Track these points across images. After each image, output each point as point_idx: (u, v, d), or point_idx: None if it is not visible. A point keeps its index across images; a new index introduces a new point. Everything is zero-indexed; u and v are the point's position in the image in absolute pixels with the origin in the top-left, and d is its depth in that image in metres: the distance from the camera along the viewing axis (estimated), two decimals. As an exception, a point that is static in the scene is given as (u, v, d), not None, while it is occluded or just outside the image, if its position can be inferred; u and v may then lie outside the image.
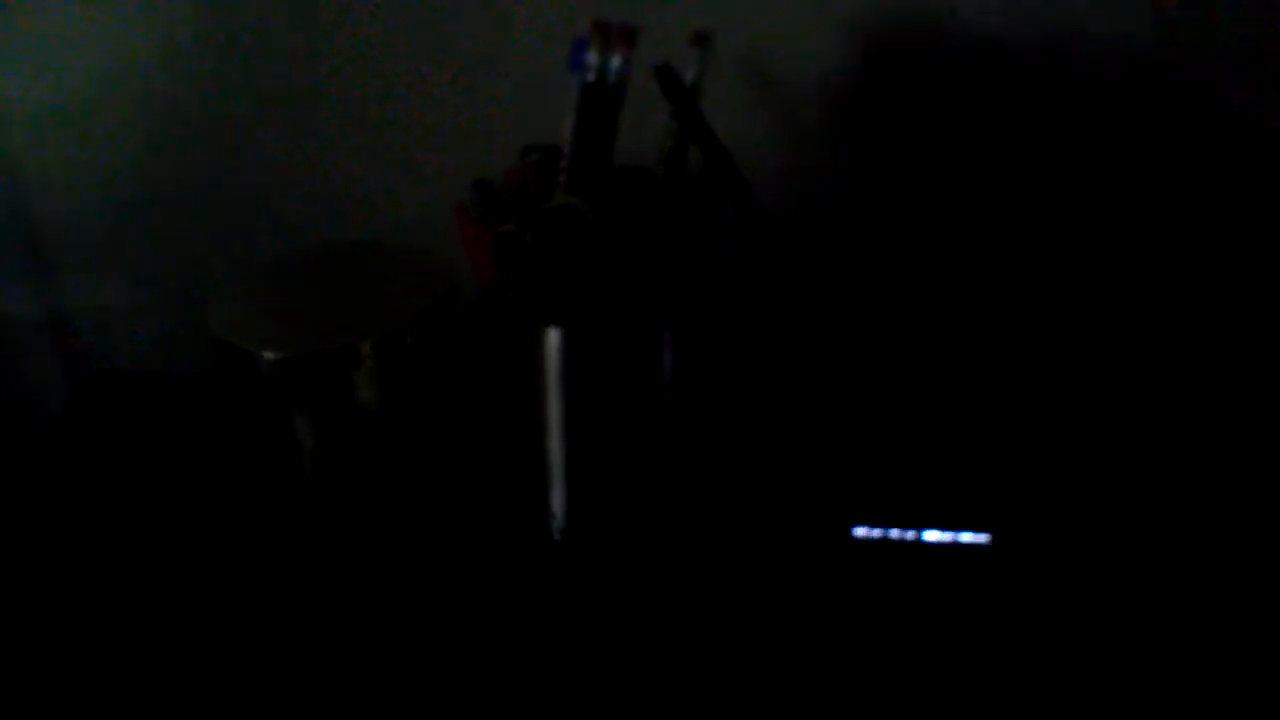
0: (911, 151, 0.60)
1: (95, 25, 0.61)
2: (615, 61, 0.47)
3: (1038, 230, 0.61)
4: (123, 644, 0.50)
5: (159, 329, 0.72)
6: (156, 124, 0.64)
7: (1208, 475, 0.54)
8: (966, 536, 0.51)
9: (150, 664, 0.49)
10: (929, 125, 0.59)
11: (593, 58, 0.47)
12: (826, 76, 0.58)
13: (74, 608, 0.52)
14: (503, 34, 0.59)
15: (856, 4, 0.56)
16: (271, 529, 0.56)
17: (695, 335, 0.49)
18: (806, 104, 0.59)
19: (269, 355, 0.51)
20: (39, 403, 0.72)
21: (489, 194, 0.50)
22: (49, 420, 0.69)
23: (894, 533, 0.51)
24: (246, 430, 0.59)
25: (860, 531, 0.51)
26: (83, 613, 0.52)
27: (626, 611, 0.50)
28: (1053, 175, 0.59)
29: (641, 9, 0.56)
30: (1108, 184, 0.57)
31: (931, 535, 0.51)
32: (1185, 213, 0.59)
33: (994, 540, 0.51)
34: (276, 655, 0.49)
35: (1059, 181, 0.59)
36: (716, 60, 0.49)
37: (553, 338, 0.47)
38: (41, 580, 0.54)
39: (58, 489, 0.61)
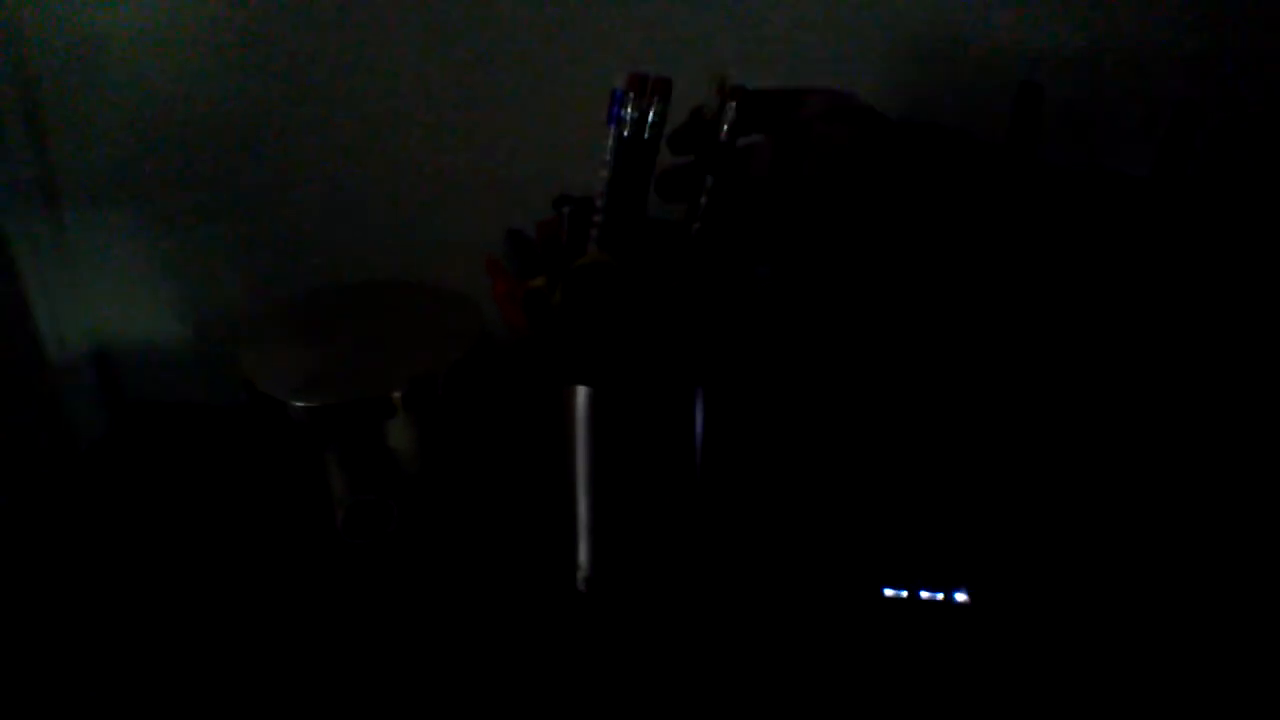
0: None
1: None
2: (651, 114, 0.47)
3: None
4: (139, 662, 0.51)
5: (192, 359, 0.72)
6: (193, 147, 0.65)
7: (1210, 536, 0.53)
8: (987, 597, 0.50)
9: (164, 682, 0.49)
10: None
11: (629, 111, 0.47)
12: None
13: (91, 623, 0.53)
14: (544, 83, 0.59)
15: (891, 42, 0.56)
16: (299, 566, 0.56)
17: (727, 392, 0.49)
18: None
19: (300, 404, 0.51)
20: (77, 430, 0.73)
21: (521, 245, 0.50)
22: (85, 447, 0.70)
23: (923, 593, 0.50)
24: (278, 471, 0.59)
25: (890, 591, 0.50)
26: (97, 635, 0.53)
27: (646, 662, 0.50)
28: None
29: (680, 58, 0.57)
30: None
31: (960, 596, 0.50)
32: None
33: (985, 601, 0.50)
34: (293, 687, 0.49)
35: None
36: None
37: (581, 395, 0.47)
38: (64, 600, 0.55)
39: (88, 514, 0.62)
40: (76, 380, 0.73)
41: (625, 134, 0.47)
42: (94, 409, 0.74)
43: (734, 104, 0.48)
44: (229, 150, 0.65)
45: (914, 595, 0.50)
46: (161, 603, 0.55)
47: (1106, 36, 0.55)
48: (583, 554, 0.52)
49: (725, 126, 0.48)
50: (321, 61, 0.61)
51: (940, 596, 0.50)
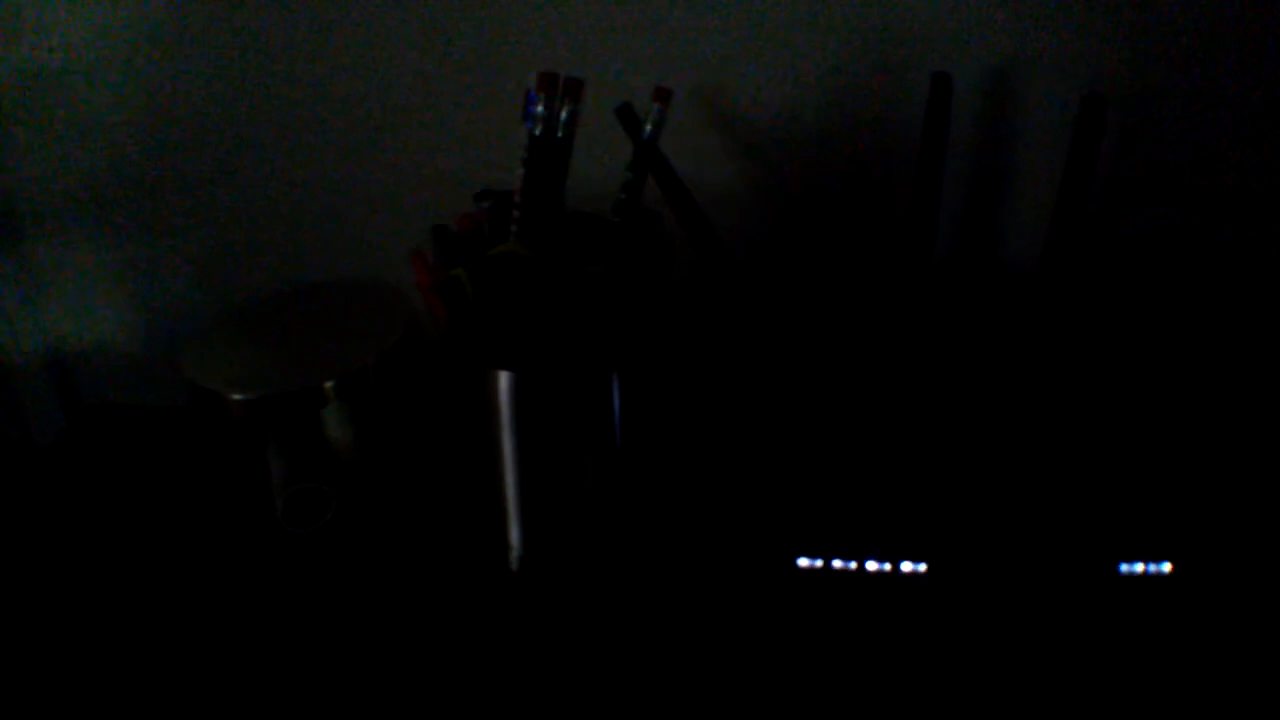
0: (870, 192, 0.62)
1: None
2: (563, 113, 0.49)
3: (988, 266, 0.63)
4: (92, 660, 0.52)
5: (145, 362, 0.74)
6: (143, 152, 0.67)
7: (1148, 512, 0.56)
8: (906, 566, 0.52)
9: (117, 679, 0.51)
10: (889, 167, 0.61)
11: (540, 109, 0.49)
12: (782, 115, 0.60)
13: (46, 621, 0.55)
14: (468, 81, 0.61)
15: (819, 58, 0.58)
16: (243, 556, 0.58)
17: (643, 373, 0.51)
18: (764, 140, 0.61)
19: (237, 396, 0.53)
20: (30, 433, 0.75)
21: (444, 238, 0.52)
22: (40, 446, 0.72)
23: (836, 562, 0.53)
24: (220, 464, 0.61)
25: (804, 561, 0.53)
26: (53, 625, 0.54)
27: (580, 637, 0.52)
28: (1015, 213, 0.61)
29: (601, 56, 0.59)
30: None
31: (871, 565, 0.52)
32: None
33: (931, 569, 0.52)
34: (242, 674, 0.51)
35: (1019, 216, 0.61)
36: (676, 103, 0.51)
37: (502, 380, 0.49)
38: (23, 596, 0.57)
39: (44, 512, 0.64)
40: (32, 384, 0.75)
41: (538, 132, 0.49)
42: (49, 412, 0.76)
43: (659, 105, 0.50)
44: (174, 161, 0.67)
45: (827, 565, 0.53)
46: (114, 592, 0.57)
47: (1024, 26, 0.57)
48: (514, 534, 0.54)
49: (649, 126, 0.51)
50: (251, 70, 0.63)
51: (853, 566, 0.53)
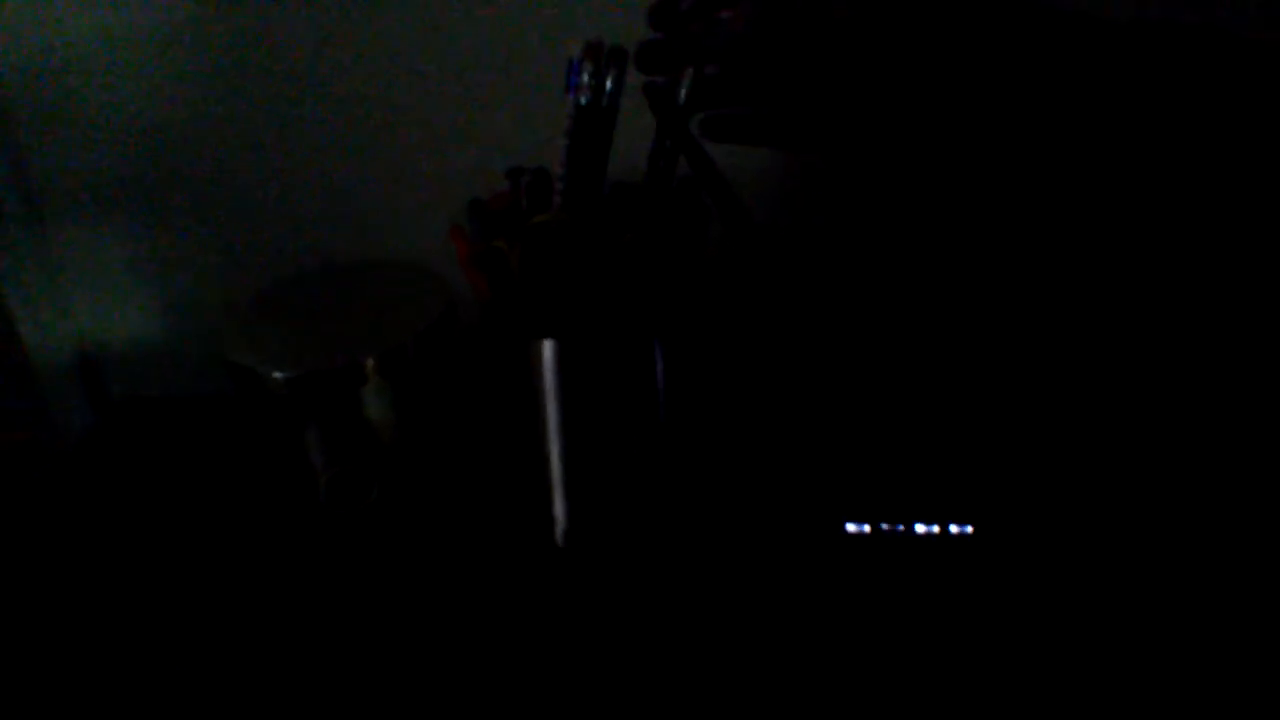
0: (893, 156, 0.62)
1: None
2: (608, 82, 0.49)
3: (1017, 232, 0.63)
4: (140, 651, 0.52)
5: (175, 353, 0.74)
6: (167, 142, 0.67)
7: (1185, 473, 0.55)
8: (953, 528, 0.52)
9: (166, 669, 0.51)
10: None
11: (586, 79, 0.49)
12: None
13: (90, 618, 0.55)
14: (504, 56, 0.61)
15: None
16: (286, 540, 0.58)
17: (685, 342, 0.51)
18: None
19: (278, 375, 0.53)
20: (61, 425, 0.75)
21: (482, 212, 0.52)
22: (71, 442, 0.72)
23: (884, 526, 0.53)
24: (261, 446, 0.61)
25: (851, 527, 0.53)
26: (98, 622, 0.54)
27: (629, 611, 0.52)
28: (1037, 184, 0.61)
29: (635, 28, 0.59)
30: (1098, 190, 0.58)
31: (919, 528, 0.52)
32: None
33: (977, 532, 0.52)
34: (290, 659, 0.51)
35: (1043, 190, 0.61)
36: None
37: (546, 349, 0.49)
38: (63, 591, 0.57)
39: (80, 508, 0.64)
40: (61, 379, 0.75)
41: (583, 101, 0.49)
42: (80, 407, 0.76)
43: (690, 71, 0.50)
44: (199, 149, 0.67)
45: (875, 530, 0.53)
46: (156, 582, 0.57)
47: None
48: (559, 509, 0.54)
49: (682, 93, 0.51)
50: (284, 55, 0.63)
51: (901, 529, 0.53)
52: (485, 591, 0.54)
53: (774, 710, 0.46)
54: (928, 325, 0.57)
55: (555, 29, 0.59)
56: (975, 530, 0.53)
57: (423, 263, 0.62)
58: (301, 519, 0.59)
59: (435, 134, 0.64)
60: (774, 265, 0.56)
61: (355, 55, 0.62)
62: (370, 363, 0.54)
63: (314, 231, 0.69)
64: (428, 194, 0.65)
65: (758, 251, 0.55)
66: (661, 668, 0.49)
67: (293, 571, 0.56)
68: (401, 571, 0.56)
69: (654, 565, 0.54)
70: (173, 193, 0.68)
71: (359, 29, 0.61)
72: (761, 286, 0.58)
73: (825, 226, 0.63)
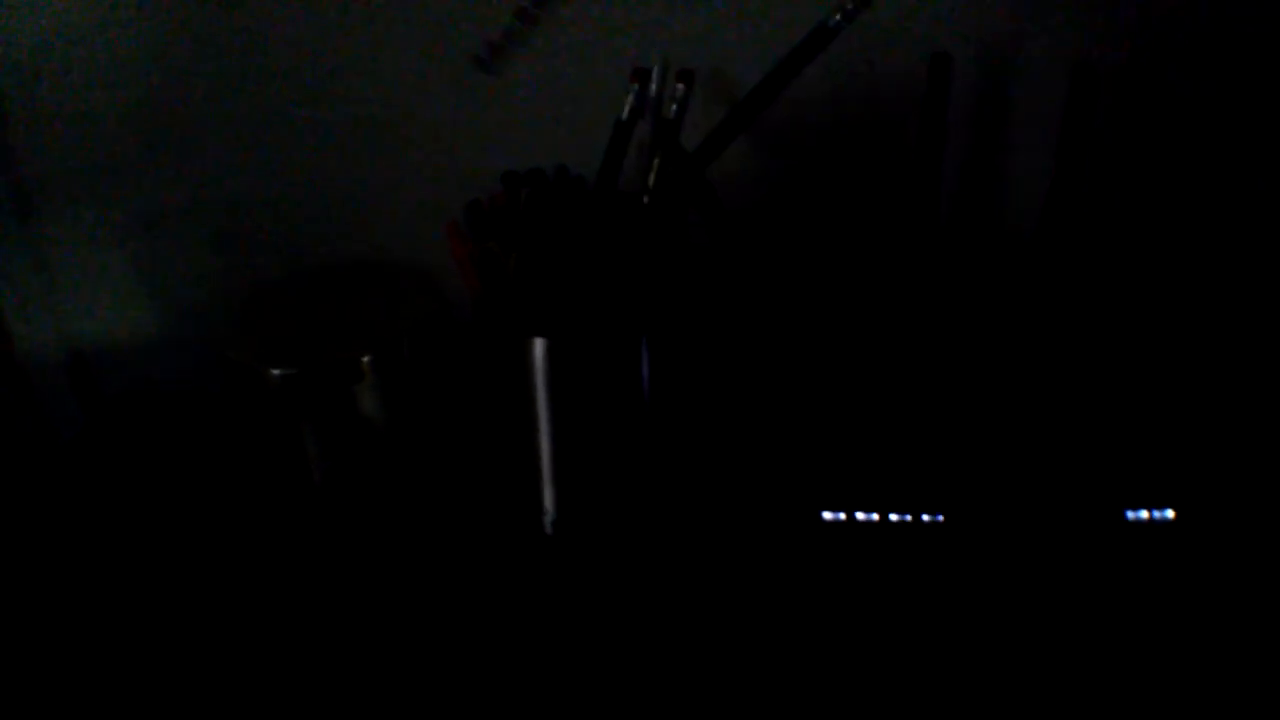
0: (871, 158, 0.64)
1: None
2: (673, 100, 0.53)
3: (998, 228, 0.66)
4: (136, 646, 0.53)
5: (167, 350, 0.75)
6: (161, 139, 0.68)
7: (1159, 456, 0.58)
8: (925, 517, 0.55)
9: (162, 666, 0.52)
10: (888, 135, 0.63)
11: (631, 100, 0.52)
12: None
13: (88, 614, 0.55)
14: (503, 61, 0.63)
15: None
16: (281, 535, 0.60)
17: (670, 340, 0.54)
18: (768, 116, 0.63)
19: (274, 371, 0.55)
20: (52, 424, 0.76)
21: (479, 216, 0.54)
22: (61, 441, 0.73)
23: (859, 515, 0.55)
24: (255, 443, 0.63)
25: (828, 515, 0.55)
26: (94, 618, 0.55)
27: (615, 597, 0.54)
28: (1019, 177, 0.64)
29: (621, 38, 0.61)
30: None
31: (894, 517, 0.55)
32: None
33: (948, 520, 0.55)
34: (286, 652, 0.52)
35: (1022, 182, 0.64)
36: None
37: (538, 347, 0.51)
38: (57, 588, 0.57)
39: (72, 504, 0.65)
40: (52, 376, 0.75)
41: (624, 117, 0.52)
42: (70, 405, 0.76)
43: (682, 86, 0.53)
44: (194, 146, 0.68)
45: (850, 518, 0.55)
46: (151, 575, 0.58)
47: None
48: (548, 498, 0.56)
49: (674, 106, 0.53)
50: (281, 53, 0.64)
51: (875, 518, 0.55)
52: (476, 578, 0.56)
53: (757, 696, 0.48)
54: (906, 317, 0.59)
55: (553, 30, 0.62)
56: (946, 519, 0.55)
57: (417, 262, 0.64)
58: (296, 514, 0.60)
59: (432, 134, 0.66)
60: (752, 261, 0.58)
61: (354, 54, 0.63)
62: (366, 360, 0.56)
63: (309, 230, 0.70)
64: (424, 194, 0.67)
65: (736, 248, 0.57)
66: (645, 652, 0.51)
67: (287, 566, 0.58)
68: (395, 563, 0.57)
69: (639, 553, 0.56)
70: (167, 189, 0.69)
71: (358, 28, 0.63)
72: (740, 283, 0.60)
73: (799, 220, 0.66)
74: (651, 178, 0.53)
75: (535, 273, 0.51)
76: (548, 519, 0.57)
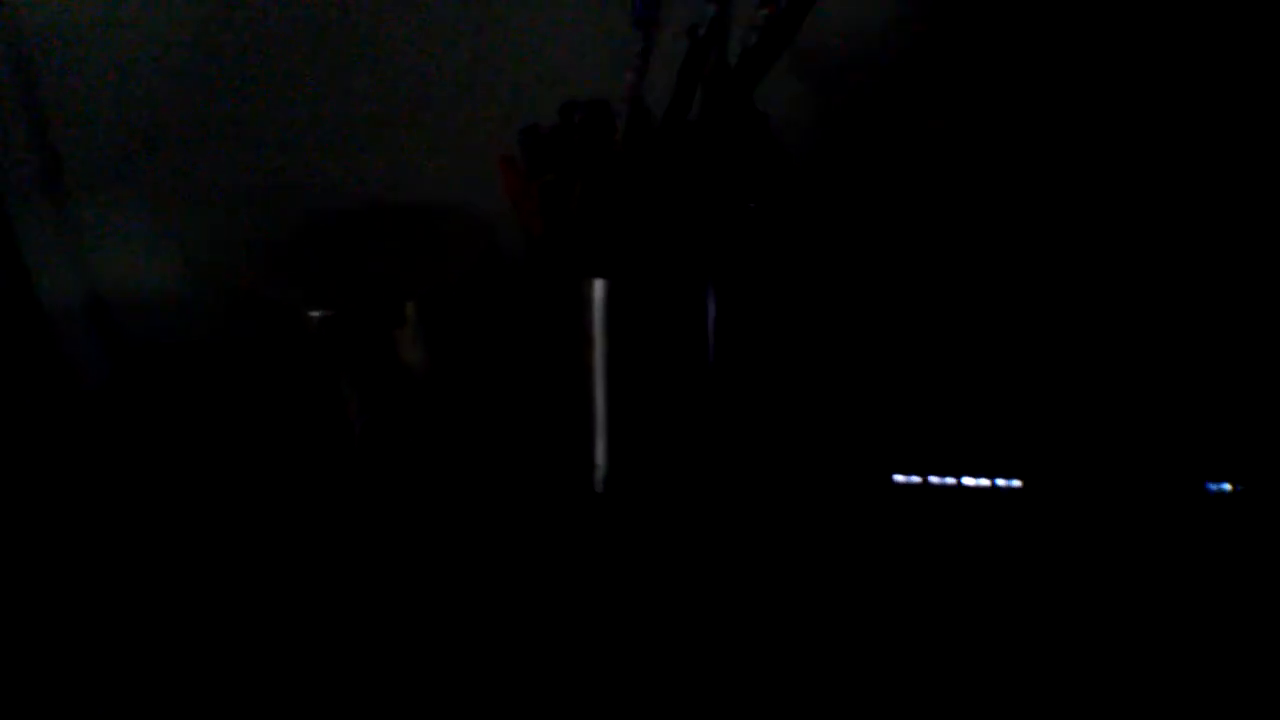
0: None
1: None
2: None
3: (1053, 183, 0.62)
4: (168, 597, 0.51)
5: (195, 299, 0.73)
6: (196, 81, 0.65)
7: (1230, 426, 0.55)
8: (1001, 482, 0.51)
9: (197, 617, 0.50)
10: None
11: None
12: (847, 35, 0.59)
13: (116, 565, 0.53)
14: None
15: None
16: (317, 489, 0.57)
17: (738, 286, 0.50)
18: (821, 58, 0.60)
19: (313, 313, 0.52)
20: (79, 378, 0.73)
21: (536, 142, 0.51)
22: (88, 393, 0.70)
23: (933, 479, 0.52)
24: (289, 392, 0.60)
25: (900, 478, 0.52)
26: (125, 569, 0.53)
27: (668, 562, 0.51)
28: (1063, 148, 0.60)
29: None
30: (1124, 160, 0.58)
31: (969, 481, 0.51)
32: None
33: (1026, 486, 0.52)
34: (326, 606, 0.50)
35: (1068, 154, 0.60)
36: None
37: (597, 289, 0.48)
38: (87, 538, 0.55)
39: (101, 458, 0.62)
40: (77, 327, 0.73)
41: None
42: (97, 355, 0.74)
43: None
44: (221, 86, 0.65)
45: (925, 481, 0.52)
46: (185, 526, 0.55)
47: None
48: (600, 453, 0.53)
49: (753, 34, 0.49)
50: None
51: (951, 482, 0.52)
52: (522, 538, 0.53)
53: (815, 663, 0.45)
54: (984, 274, 0.56)
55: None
56: (1024, 485, 0.52)
57: (465, 204, 0.61)
58: (333, 468, 0.57)
59: (481, 65, 0.62)
60: (822, 208, 0.55)
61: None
62: (410, 305, 0.53)
63: (348, 170, 0.67)
64: (469, 132, 0.64)
65: (803, 196, 0.54)
66: (696, 624, 0.48)
67: (324, 522, 0.55)
68: (437, 522, 0.55)
69: (695, 515, 0.53)
70: (201, 132, 0.66)
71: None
72: (812, 231, 0.57)
73: (874, 170, 0.62)
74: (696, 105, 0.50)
75: (600, 208, 0.47)
76: (599, 475, 0.53)
